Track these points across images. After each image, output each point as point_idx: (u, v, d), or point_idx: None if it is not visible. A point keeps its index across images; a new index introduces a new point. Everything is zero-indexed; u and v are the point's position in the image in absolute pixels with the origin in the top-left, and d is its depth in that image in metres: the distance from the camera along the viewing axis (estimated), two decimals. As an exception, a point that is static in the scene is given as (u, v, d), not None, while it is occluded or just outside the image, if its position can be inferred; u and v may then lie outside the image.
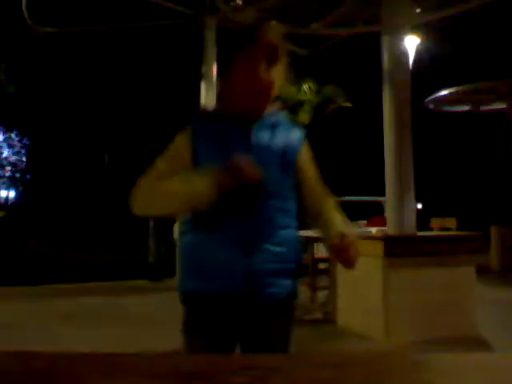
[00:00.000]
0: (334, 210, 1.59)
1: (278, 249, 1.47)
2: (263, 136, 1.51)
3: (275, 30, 1.51)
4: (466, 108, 11.17)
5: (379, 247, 4.39)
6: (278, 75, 1.48)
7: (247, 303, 1.46)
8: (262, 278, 1.45)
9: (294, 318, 1.63)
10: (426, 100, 10.33)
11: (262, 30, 1.48)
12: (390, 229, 4.81)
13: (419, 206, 20.62)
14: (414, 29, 8.15)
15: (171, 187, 1.41)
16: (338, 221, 1.54)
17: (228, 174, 1.37)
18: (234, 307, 1.47)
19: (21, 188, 37.72)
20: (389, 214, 4.91)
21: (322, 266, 6.13)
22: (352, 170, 28.32)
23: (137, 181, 1.50)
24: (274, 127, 1.53)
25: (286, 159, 1.51)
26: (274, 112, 1.56)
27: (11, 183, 37.26)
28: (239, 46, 1.47)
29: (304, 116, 15.80)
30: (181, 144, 1.49)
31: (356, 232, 1.55)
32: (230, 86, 1.50)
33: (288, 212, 1.52)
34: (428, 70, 18.43)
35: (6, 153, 36.50)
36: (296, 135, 1.58)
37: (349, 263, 1.41)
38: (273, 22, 1.58)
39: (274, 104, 1.57)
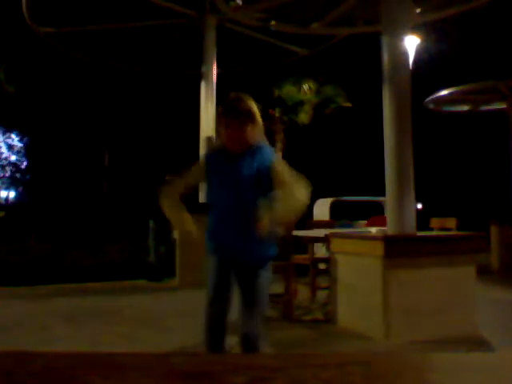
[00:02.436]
0: (285, 197, 2.48)
1: (253, 238, 2.45)
2: (241, 165, 2.54)
3: (245, 104, 2.52)
4: (465, 108, 11.17)
5: (379, 247, 4.39)
6: (252, 130, 2.52)
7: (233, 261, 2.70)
8: (241, 254, 2.64)
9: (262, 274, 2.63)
10: (426, 100, 10.33)
11: (232, 107, 2.52)
12: (390, 229, 4.81)
13: (419, 206, 20.62)
14: (414, 29, 8.16)
15: (165, 206, 2.76)
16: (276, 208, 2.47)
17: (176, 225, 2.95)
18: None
19: (21, 188, 37.73)
20: (389, 214, 4.91)
21: (321, 266, 6.13)
22: (352, 169, 28.31)
23: (171, 180, 2.84)
24: (251, 157, 2.54)
25: (259, 178, 2.51)
26: (256, 145, 2.56)
27: (11, 183, 37.26)
28: (220, 118, 2.59)
29: (304, 116, 15.81)
30: (200, 165, 2.73)
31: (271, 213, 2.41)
32: (220, 138, 2.64)
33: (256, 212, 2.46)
34: (428, 70, 18.43)
35: (5, 153, 36.51)
36: (266, 157, 2.55)
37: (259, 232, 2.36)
38: (246, 97, 2.59)
39: (258, 141, 2.58)
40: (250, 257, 2.62)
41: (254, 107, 2.56)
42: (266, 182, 2.53)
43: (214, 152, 2.73)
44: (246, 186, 2.53)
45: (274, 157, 2.62)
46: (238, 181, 2.56)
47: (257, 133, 2.57)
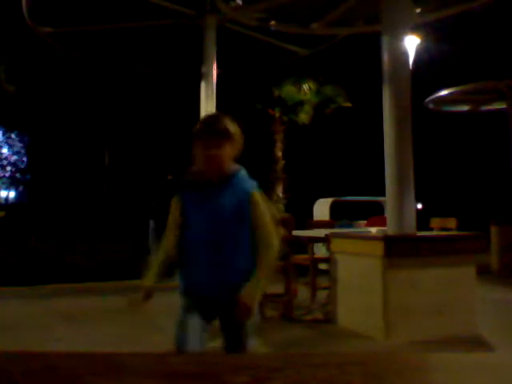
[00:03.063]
0: (259, 267, 2.28)
1: (232, 278, 2.29)
2: (219, 193, 2.33)
3: (223, 122, 2.31)
4: (465, 108, 11.16)
5: (379, 247, 4.39)
6: (231, 150, 2.32)
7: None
8: (226, 282, 2.33)
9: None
10: (426, 100, 10.32)
11: (209, 127, 2.32)
12: (389, 229, 4.81)
13: (419, 206, 20.63)
14: (414, 29, 8.16)
15: (152, 257, 2.64)
16: (250, 282, 2.25)
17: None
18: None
19: (21, 188, 37.71)
20: (389, 214, 4.91)
21: (322, 266, 6.13)
22: (352, 169, 28.31)
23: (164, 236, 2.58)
24: (231, 186, 2.33)
25: (240, 211, 2.30)
26: (235, 172, 2.35)
27: (11, 183, 37.25)
28: (196, 138, 2.32)
29: (304, 116, 15.80)
30: (174, 205, 2.47)
31: (252, 294, 2.25)
32: (195, 161, 2.36)
33: (241, 251, 2.32)
34: (428, 70, 18.42)
35: (6, 153, 36.48)
36: (247, 190, 2.33)
37: (240, 318, 2.24)
38: (224, 116, 2.39)
39: (235, 167, 2.36)
40: (227, 301, 2.30)
41: (232, 126, 2.38)
42: (246, 216, 2.33)
43: (188, 184, 2.45)
44: (225, 217, 2.32)
45: (254, 189, 2.38)
46: (214, 211, 2.34)
47: (235, 153, 2.39)
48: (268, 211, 2.39)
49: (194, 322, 2.41)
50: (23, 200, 35.92)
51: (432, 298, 4.47)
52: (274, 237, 2.34)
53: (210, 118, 2.50)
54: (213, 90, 8.22)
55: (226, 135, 2.33)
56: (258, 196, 2.39)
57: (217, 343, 2.36)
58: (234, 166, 2.40)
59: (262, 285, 2.32)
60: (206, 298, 2.41)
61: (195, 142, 2.35)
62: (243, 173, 2.43)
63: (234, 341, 2.39)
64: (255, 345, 2.38)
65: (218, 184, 2.35)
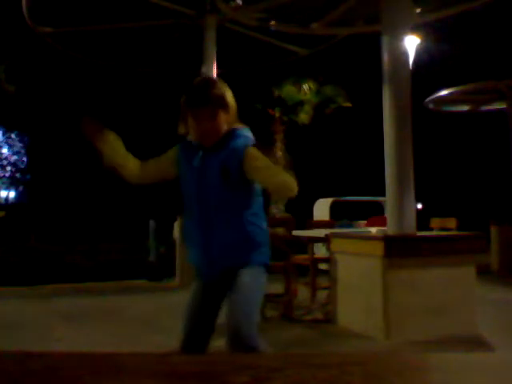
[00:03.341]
0: (268, 176, 2.10)
1: (225, 242, 2.14)
2: (208, 159, 2.14)
3: (214, 89, 2.10)
4: (465, 108, 11.16)
5: (379, 247, 4.39)
6: (225, 118, 2.11)
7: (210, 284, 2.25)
8: (215, 261, 2.18)
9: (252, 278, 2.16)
10: (426, 100, 10.32)
11: (199, 95, 2.10)
12: (389, 229, 4.81)
13: (419, 206, 20.62)
14: (414, 29, 8.16)
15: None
16: None
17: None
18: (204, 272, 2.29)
19: (21, 188, 37.72)
20: (389, 214, 4.90)
21: (322, 266, 6.13)
22: (352, 169, 28.30)
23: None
24: (221, 148, 2.12)
25: (226, 169, 2.08)
26: (230, 131, 2.14)
27: (11, 183, 37.26)
28: (186, 108, 2.13)
29: (304, 116, 15.80)
30: (170, 152, 2.32)
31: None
32: (188, 129, 2.19)
33: (234, 214, 2.12)
34: (428, 70, 18.42)
35: (6, 153, 36.49)
36: (237, 147, 2.11)
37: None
38: (214, 80, 2.26)
39: (233, 127, 2.17)
40: (226, 262, 2.17)
41: (225, 90, 2.14)
42: (235, 173, 2.09)
43: (189, 143, 2.27)
44: (211, 181, 2.12)
45: (250, 142, 2.16)
46: (201, 177, 2.15)
47: (231, 119, 2.15)
48: (271, 164, 2.14)
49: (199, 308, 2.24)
50: (23, 200, 35.93)
51: (432, 298, 4.47)
52: (282, 172, 2.11)
53: (198, 84, 2.21)
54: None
55: (218, 103, 2.10)
56: (252, 150, 2.13)
57: (220, 343, 2.18)
58: (233, 127, 2.19)
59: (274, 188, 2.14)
60: (206, 281, 2.25)
61: (186, 111, 2.14)
62: (240, 131, 2.20)
63: (236, 294, 2.12)
64: (264, 346, 2.17)
65: (212, 146, 2.16)
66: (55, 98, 30.09)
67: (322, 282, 5.80)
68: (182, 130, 2.22)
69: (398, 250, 4.45)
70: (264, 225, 2.21)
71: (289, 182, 2.05)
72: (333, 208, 9.51)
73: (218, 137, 2.13)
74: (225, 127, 2.14)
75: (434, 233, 6.16)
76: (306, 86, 15.61)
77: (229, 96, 2.14)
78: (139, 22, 8.20)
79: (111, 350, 0.95)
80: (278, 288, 5.25)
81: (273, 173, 2.10)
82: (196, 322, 2.23)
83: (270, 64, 9.97)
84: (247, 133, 2.24)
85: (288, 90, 15.55)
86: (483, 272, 6.32)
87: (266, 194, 2.24)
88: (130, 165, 2.36)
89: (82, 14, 7.90)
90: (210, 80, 2.31)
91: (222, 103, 2.10)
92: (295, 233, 5.41)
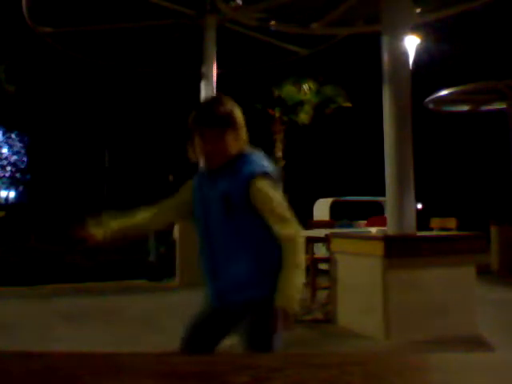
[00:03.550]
0: (284, 264, 1.89)
1: (232, 275, 1.98)
2: (213, 184, 2.02)
3: (221, 106, 1.99)
4: (465, 108, 11.16)
5: (379, 247, 4.39)
6: (233, 139, 1.97)
7: (219, 310, 2.08)
8: (223, 294, 2.03)
9: (263, 319, 1.93)
10: (426, 100, 10.32)
11: (206, 113, 2.00)
12: (389, 229, 4.81)
13: (419, 206, 20.62)
14: (414, 29, 8.16)
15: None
16: (280, 283, 1.88)
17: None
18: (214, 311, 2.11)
19: (21, 188, 37.72)
20: (389, 214, 4.90)
21: (322, 266, 6.13)
22: (352, 169, 28.31)
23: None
24: (225, 173, 1.99)
25: (228, 200, 1.94)
26: (239, 155, 2.00)
27: (11, 183, 37.26)
28: (195, 125, 2.01)
29: (304, 116, 15.81)
30: (184, 187, 2.20)
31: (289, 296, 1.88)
32: (195, 152, 2.06)
33: (241, 248, 1.96)
34: (428, 70, 18.42)
35: (6, 153, 36.48)
36: (242, 174, 1.96)
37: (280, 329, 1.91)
38: (223, 98, 2.06)
39: (242, 150, 2.02)
40: (234, 297, 2.00)
41: (234, 109, 2.02)
42: (239, 203, 1.94)
43: (202, 172, 2.15)
44: (214, 210, 1.99)
45: (259, 170, 1.97)
46: (206, 206, 2.03)
47: (240, 140, 2.02)
48: (279, 199, 1.96)
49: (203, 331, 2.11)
50: (23, 200, 35.93)
51: (432, 297, 4.47)
52: (287, 225, 1.91)
53: (206, 102, 2.15)
54: (213, 90, 8.21)
55: (225, 121, 1.98)
56: (261, 181, 1.94)
57: (231, 341, 2.10)
58: (242, 150, 2.03)
59: (296, 282, 1.86)
60: (215, 310, 2.10)
61: (192, 131, 2.03)
62: (252, 156, 2.03)
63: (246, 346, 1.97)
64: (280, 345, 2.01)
65: (218, 171, 2.02)
66: (55, 98, 30.09)
67: (322, 281, 5.80)
68: (191, 155, 2.09)
69: (398, 249, 4.45)
70: (278, 254, 1.94)
71: (291, 250, 1.89)
72: (333, 208, 9.51)
73: (224, 158, 1.99)
74: (233, 149, 2.00)
75: (434, 233, 6.16)
76: (305, 86, 15.62)
77: (237, 114, 2.02)
78: (139, 22, 8.20)
79: (111, 349, 0.95)
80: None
81: (277, 220, 1.92)
82: (194, 340, 2.12)
83: (270, 64, 9.97)
84: (258, 159, 2.03)
85: (288, 90, 15.56)
86: (483, 272, 6.32)
87: None
88: (141, 227, 2.25)
89: (82, 14, 7.90)
90: (217, 98, 2.16)
91: (230, 121, 1.98)
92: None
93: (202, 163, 2.10)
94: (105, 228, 2.15)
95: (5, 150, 36.64)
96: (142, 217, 2.20)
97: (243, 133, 2.03)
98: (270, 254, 1.94)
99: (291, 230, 1.91)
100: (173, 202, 2.22)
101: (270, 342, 1.95)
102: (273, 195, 1.93)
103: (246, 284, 1.96)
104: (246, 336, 1.99)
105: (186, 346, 2.12)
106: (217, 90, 8.26)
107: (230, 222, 1.96)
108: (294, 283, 1.86)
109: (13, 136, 36.46)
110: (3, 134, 36.18)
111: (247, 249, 1.96)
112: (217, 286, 2.04)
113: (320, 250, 6.94)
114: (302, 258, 1.91)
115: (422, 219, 6.02)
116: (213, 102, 2.11)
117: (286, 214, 1.93)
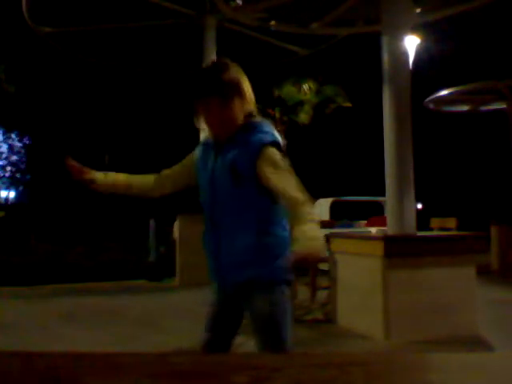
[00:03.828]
0: (298, 223, 1.75)
1: (237, 249, 1.89)
2: (220, 156, 1.91)
3: (226, 72, 1.86)
4: (465, 108, 11.17)
5: (379, 247, 4.39)
6: (239, 106, 1.87)
7: (222, 286, 2.03)
8: (225, 273, 1.96)
9: (265, 297, 1.91)
10: (426, 100, 10.32)
11: (209, 80, 1.87)
12: (389, 229, 4.81)
13: (419, 206, 20.63)
14: (414, 29, 8.15)
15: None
16: (297, 235, 1.72)
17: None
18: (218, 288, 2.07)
19: (21, 188, 37.73)
20: (389, 213, 4.91)
21: (322, 266, 6.13)
22: (352, 169, 28.32)
23: None
24: (233, 144, 1.88)
25: (235, 173, 1.85)
26: (246, 124, 1.89)
27: (11, 183, 37.26)
28: (197, 98, 1.89)
29: (304, 116, 15.80)
30: (188, 157, 2.13)
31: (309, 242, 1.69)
32: (201, 122, 1.96)
33: (246, 222, 1.87)
34: (428, 70, 18.43)
35: (6, 153, 36.50)
36: (250, 143, 1.85)
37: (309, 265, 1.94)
38: (232, 64, 1.94)
39: (250, 118, 1.91)
40: (237, 277, 1.92)
41: (238, 74, 1.89)
42: (247, 174, 1.83)
43: (207, 142, 2.05)
44: (221, 183, 1.88)
45: (268, 139, 1.87)
46: (212, 179, 1.92)
47: (247, 108, 1.90)
48: (288, 167, 1.86)
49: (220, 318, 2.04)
50: (23, 200, 35.93)
51: (432, 297, 4.47)
52: (297, 191, 1.77)
53: (207, 68, 1.98)
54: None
55: (232, 89, 1.84)
56: (271, 149, 1.84)
57: (246, 339, 2.06)
58: (250, 118, 1.92)
59: (314, 233, 1.70)
60: (220, 286, 2.03)
61: (196, 103, 1.90)
62: (259, 124, 1.92)
63: (254, 325, 1.93)
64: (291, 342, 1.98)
65: (226, 141, 1.90)
66: (55, 99, 30.10)
67: (322, 282, 5.80)
68: (197, 123, 1.97)
69: (398, 249, 4.45)
70: (285, 234, 1.89)
71: (301, 202, 1.76)
72: (333, 208, 9.52)
73: (233, 128, 1.87)
74: (241, 118, 1.88)
75: (434, 233, 6.16)
76: (305, 86, 15.60)
77: (244, 81, 1.90)
78: (139, 22, 8.20)
79: (111, 350, 0.95)
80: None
81: (286, 186, 1.80)
82: (213, 333, 2.05)
83: (270, 64, 9.97)
84: (267, 127, 1.93)
85: (288, 90, 15.54)
86: (483, 272, 6.31)
87: None
88: (137, 186, 2.17)
89: (82, 14, 7.90)
90: (220, 63, 1.94)
91: (236, 89, 1.84)
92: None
93: (207, 133, 2.01)
94: (105, 175, 2.14)
95: (5, 150, 36.65)
96: (143, 177, 2.18)
97: (251, 99, 1.92)
98: (275, 230, 1.88)
99: (301, 195, 1.77)
100: (175, 169, 2.15)
101: (278, 330, 1.91)
102: (282, 164, 1.84)
103: (249, 262, 1.87)
104: (254, 323, 1.94)
105: (208, 340, 2.07)
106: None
107: (237, 192, 1.85)
108: (313, 233, 1.70)
109: (13, 136, 36.47)
110: (3, 134, 36.20)
111: (252, 222, 1.87)
112: (220, 264, 1.95)
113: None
114: (315, 217, 1.78)
115: (422, 219, 6.03)
116: (215, 67, 1.94)
117: (295, 182, 1.81)
